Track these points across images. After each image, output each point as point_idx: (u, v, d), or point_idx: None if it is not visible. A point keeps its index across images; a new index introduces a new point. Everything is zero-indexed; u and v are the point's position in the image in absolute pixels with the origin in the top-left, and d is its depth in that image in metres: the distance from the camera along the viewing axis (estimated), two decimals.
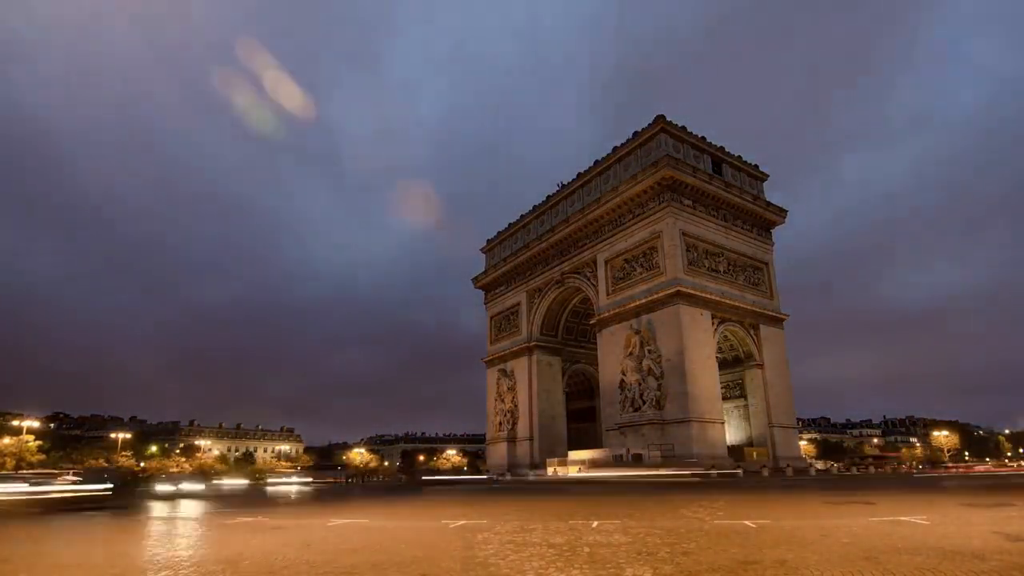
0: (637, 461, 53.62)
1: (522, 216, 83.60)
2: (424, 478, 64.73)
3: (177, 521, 17.53)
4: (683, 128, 62.41)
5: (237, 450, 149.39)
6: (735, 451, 57.13)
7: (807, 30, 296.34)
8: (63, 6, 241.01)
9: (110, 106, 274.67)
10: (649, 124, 62.25)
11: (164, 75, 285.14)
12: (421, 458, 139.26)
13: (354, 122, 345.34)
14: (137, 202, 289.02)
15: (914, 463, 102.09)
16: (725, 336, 60.39)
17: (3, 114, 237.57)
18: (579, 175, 72.29)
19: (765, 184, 69.97)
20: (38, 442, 79.18)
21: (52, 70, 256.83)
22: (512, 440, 77.56)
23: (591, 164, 70.48)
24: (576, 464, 59.69)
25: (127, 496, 27.21)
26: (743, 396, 62.20)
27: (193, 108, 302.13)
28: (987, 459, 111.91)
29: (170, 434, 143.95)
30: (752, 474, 48.18)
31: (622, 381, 59.13)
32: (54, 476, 30.65)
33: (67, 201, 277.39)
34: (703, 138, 64.01)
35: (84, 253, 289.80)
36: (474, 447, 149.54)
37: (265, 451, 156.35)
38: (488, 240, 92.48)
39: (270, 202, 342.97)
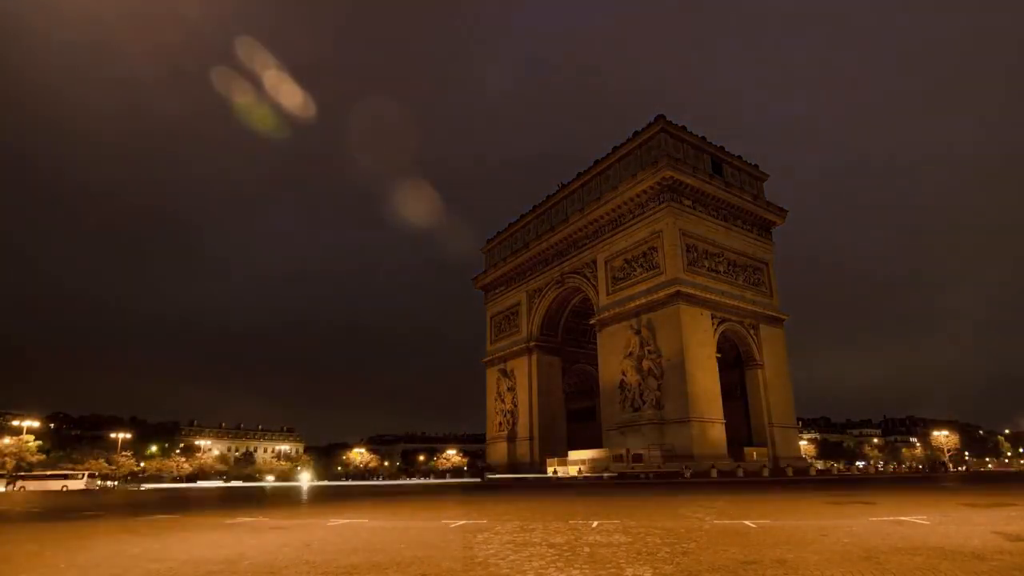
0: (637, 461, 53.59)
1: (522, 216, 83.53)
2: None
3: (178, 520, 17.50)
4: (683, 128, 62.36)
5: (237, 450, 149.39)
6: (735, 451, 57.09)
7: None
8: None
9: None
10: (649, 124, 62.21)
11: None
12: (421, 458, 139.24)
13: None
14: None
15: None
16: (725, 336, 60.34)
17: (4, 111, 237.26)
18: (579, 175, 72.22)
19: (765, 184, 70.01)
20: (38, 442, 79.24)
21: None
22: (512, 439, 77.56)
23: (591, 164, 70.46)
24: (576, 464, 59.65)
25: None
26: (743, 396, 62.13)
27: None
28: (987, 459, 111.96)
29: (170, 434, 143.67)
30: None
31: (622, 381, 59.13)
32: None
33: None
34: (703, 138, 63.97)
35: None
36: (475, 447, 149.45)
37: (265, 451, 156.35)
38: (488, 240, 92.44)
39: None
